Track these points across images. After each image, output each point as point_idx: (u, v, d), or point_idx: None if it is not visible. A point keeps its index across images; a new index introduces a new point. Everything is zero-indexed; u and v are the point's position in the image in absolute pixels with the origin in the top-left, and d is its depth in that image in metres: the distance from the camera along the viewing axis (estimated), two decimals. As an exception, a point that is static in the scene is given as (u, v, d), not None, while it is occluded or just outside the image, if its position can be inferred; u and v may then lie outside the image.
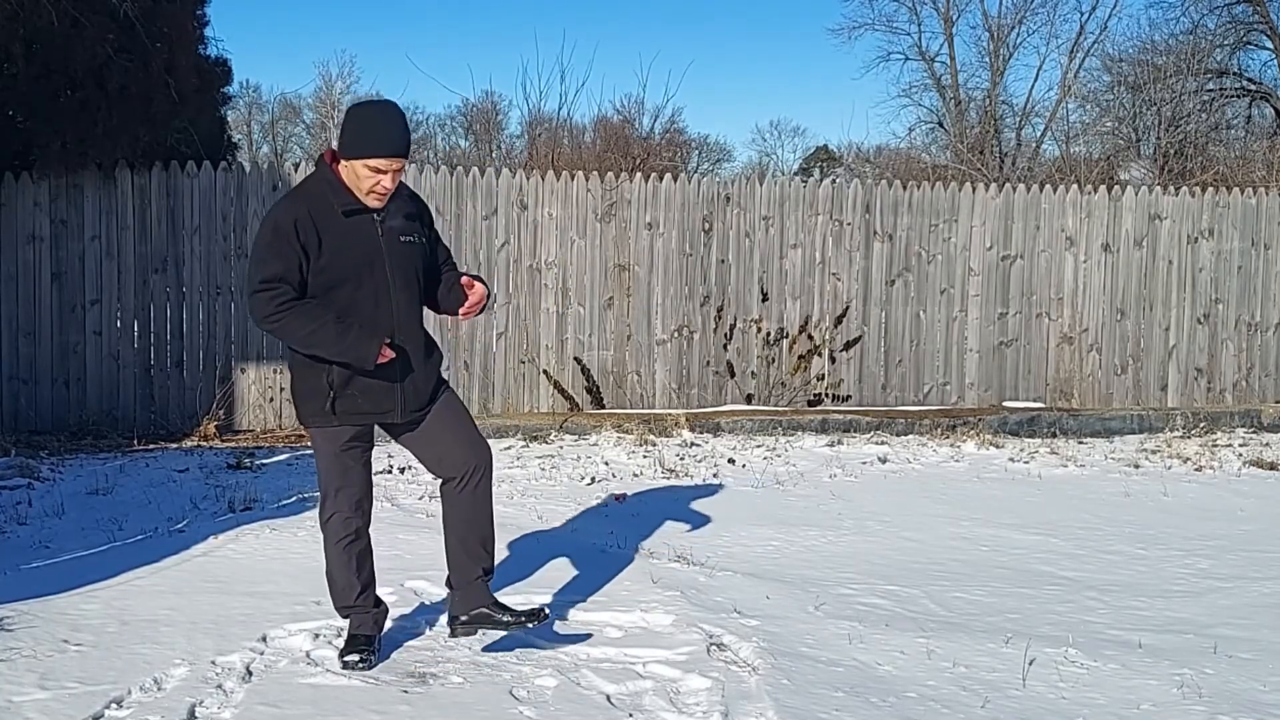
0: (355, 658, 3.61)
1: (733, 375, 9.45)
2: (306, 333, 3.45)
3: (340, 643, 3.74)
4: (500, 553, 4.79)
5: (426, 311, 3.76)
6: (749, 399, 9.40)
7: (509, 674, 3.57)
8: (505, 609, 3.67)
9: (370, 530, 3.74)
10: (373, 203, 3.50)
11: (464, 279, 3.69)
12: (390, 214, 3.57)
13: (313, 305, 3.46)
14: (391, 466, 6.75)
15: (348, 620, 3.73)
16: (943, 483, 7.05)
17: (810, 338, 9.53)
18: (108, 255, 8.67)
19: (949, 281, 9.73)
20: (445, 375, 3.87)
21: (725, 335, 9.44)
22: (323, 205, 3.48)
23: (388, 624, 3.91)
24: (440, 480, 3.72)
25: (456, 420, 3.69)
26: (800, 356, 9.49)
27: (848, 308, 9.57)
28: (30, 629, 3.86)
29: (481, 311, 3.80)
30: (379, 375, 3.50)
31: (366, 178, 3.45)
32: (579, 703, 3.37)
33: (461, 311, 3.71)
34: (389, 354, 3.46)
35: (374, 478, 3.81)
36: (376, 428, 3.69)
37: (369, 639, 3.69)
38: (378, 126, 3.47)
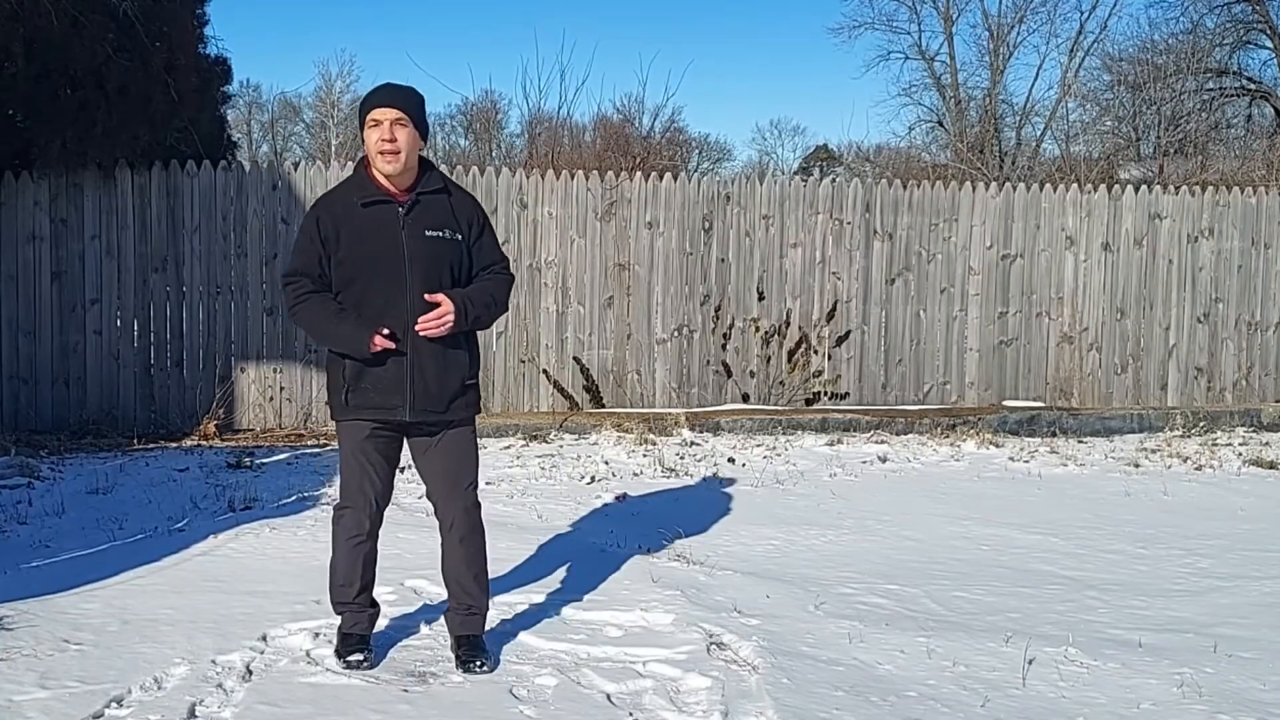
0: (359, 656, 3.61)
1: (730, 375, 9.44)
2: (315, 324, 3.62)
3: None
4: (501, 552, 4.80)
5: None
6: (745, 398, 9.40)
7: (509, 673, 3.57)
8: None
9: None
10: (384, 165, 3.52)
11: (428, 294, 3.49)
12: (420, 207, 3.57)
13: (323, 298, 3.55)
14: (391, 466, 6.74)
15: (341, 616, 3.72)
16: (943, 482, 7.05)
17: (810, 337, 9.53)
18: (108, 254, 8.67)
19: (949, 281, 9.73)
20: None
21: (725, 334, 9.44)
22: (345, 200, 3.59)
23: (387, 622, 3.92)
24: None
25: (457, 454, 3.67)
26: (800, 355, 9.49)
27: (846, 305, 9.56)
28: (30, 628, 3.86)
29: (446, 332, 3.52)
30: (388, 370, 3.51)
31: (370, 136, 3.53)
32: (579, 702, 3.37)
33: (417, 325, 3.48)
34: (381, 343, 3.46)
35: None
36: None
37: (363, 638, 3.69)
38: (371, 92, 3.63)
